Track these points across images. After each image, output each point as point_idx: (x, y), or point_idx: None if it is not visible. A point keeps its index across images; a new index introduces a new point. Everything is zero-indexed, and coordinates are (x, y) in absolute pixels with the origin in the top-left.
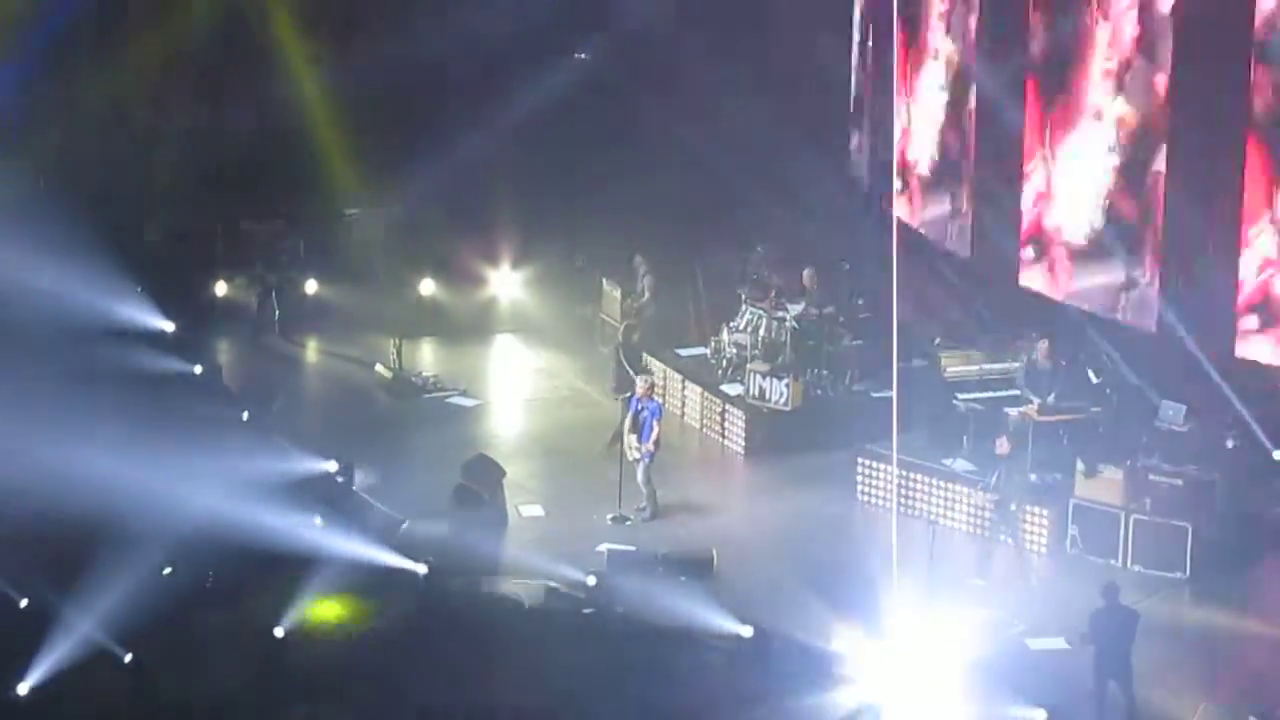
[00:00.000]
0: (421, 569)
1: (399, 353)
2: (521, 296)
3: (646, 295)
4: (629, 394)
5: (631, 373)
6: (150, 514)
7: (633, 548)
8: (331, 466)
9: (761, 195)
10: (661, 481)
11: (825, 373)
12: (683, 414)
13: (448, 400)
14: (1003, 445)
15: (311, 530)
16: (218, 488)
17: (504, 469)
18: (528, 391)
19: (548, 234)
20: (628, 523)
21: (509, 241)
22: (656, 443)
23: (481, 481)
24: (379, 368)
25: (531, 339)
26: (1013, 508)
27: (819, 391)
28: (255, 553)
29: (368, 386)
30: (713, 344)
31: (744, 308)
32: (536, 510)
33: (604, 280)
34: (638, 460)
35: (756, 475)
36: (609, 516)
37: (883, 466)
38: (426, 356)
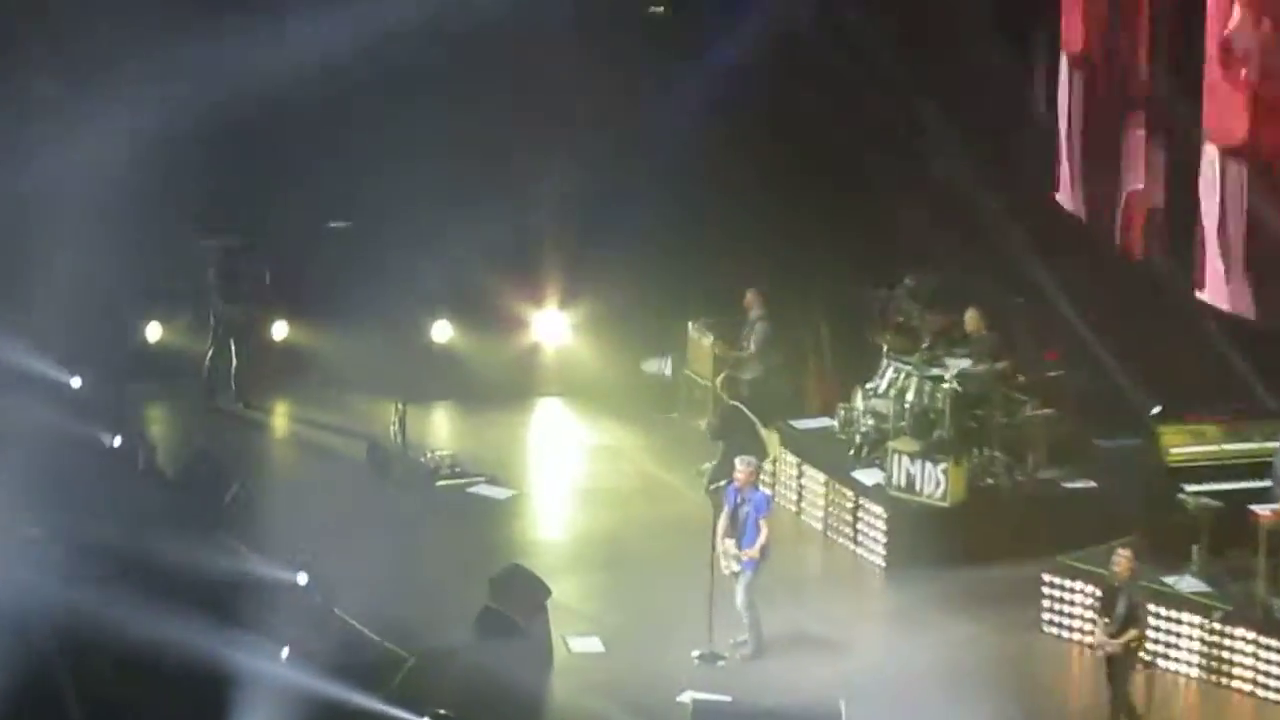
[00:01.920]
0: None
1: (402, 423)
2: (573, 346)
3: (751, 348)
4: (725, 482)
5: (758, 426)
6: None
7: (728, 698)
8: (302, 579)
9: (916, 210)
10: (768, 605)
11: (998, 454)
12: (799, 510)
13: (470, 490)
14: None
15: (273, 666)
16: (132, 600)
17: (548, 587)
18: (581, 479)
19: (609, 261)
20: (721, 663)
21: (556, 271)
22: (763, 550)
23: (516, 604)
24: (374, 444)
25: (586, 405)
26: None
27: (989, 480)
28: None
29: (357, 470)
30: (841, 413)
31: (885, 363)
32: (593, 644)
33: (690, 325)
34: (736, 574)
35: (901, 596)
36: (695, 654)
37: (1080, 586)
38: (440, 428)
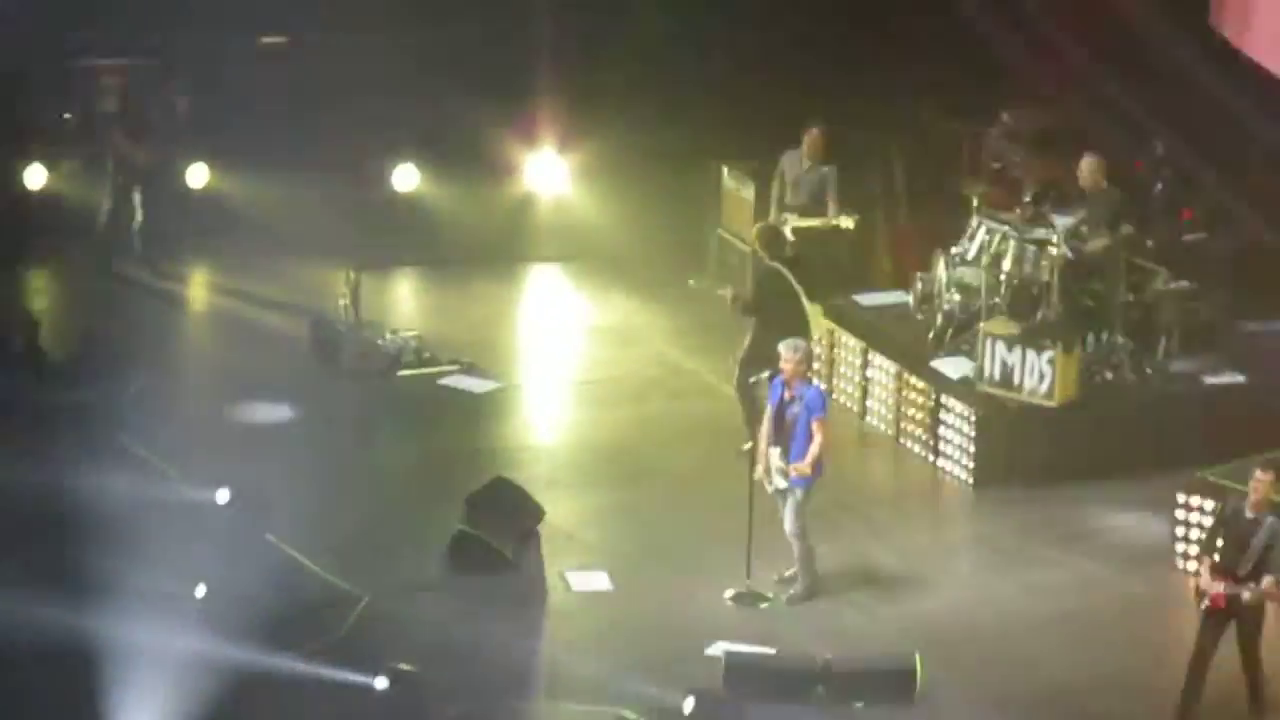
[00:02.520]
0: (381, 683)
1: (354, 295)
2: (573, 198)
3: (832, 203)
4: (766, 374)
5: (803, 304)
6: None
7: (771, 650)
8: (223, 496)
9: (1016, 29)
10: (824, 532)
11: (1120, 340)
12: (863, 410)
13: (442, 381)
14: None
15: (188, 611)
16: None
17: (540, 507)
18: (583, 368)
19: (619, 90)
20: (763, 606)
21: (553, 102)
22: (817, 463)
23: (500, 529)
24: (319, 322)
25: (589, 274)
26: None
27: (1108, 374)
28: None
29: (297, 355)
30: (919, 286)
31: (975, 222)
32: (598, 581)
33: (725, 172)
34: (782, 493)
35: (994, 522)
36: (729, 594)
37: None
38: (404, 302)
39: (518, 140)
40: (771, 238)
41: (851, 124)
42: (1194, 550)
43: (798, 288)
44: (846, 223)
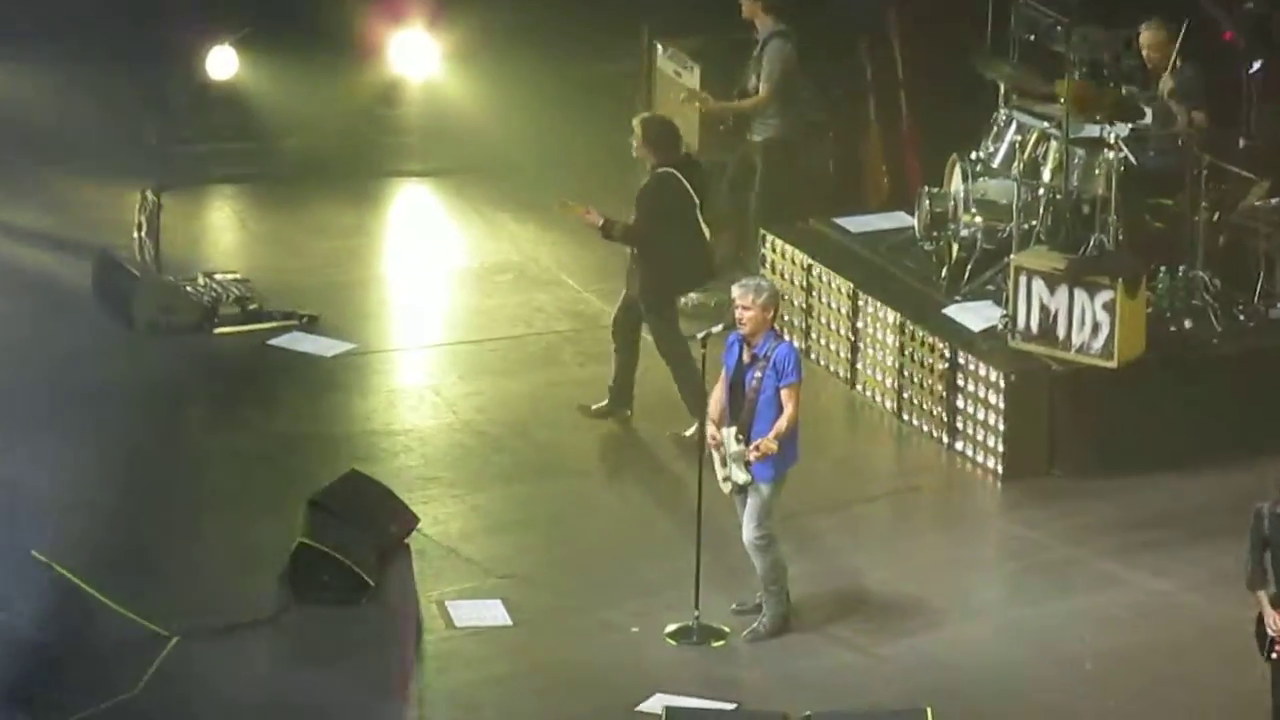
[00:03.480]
0: None
1: (153, 223)
2: (453, 92)
3: (762, 87)
4: (717, 328)
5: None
6: None
7: (727, 705)
8: None
9: None
10: (800, 543)
11: (1200, 274)
12: (852, 376)
13: (273, 340)
14: None
15: None
16: None
17: (412, 512)
18: (468, 323)
19: None
20: (718, 644)
21: None
22: (787, 444)
23: (354, 541)
24: (106, 259)
25: (478, 193)
26: None
27: (1186, 322)
28: None
29: (77, 302)
30: (926, 205)
31: (1002, 116)
32: (491, 612)
33: (659, 51)
34: (742, 488)
35: (1031, 527)
36: (669, 629)
37: None
38: (222, 233)
39: (377, 13)
40: (661, 132)
41: None
42: None
43: (696, 200)
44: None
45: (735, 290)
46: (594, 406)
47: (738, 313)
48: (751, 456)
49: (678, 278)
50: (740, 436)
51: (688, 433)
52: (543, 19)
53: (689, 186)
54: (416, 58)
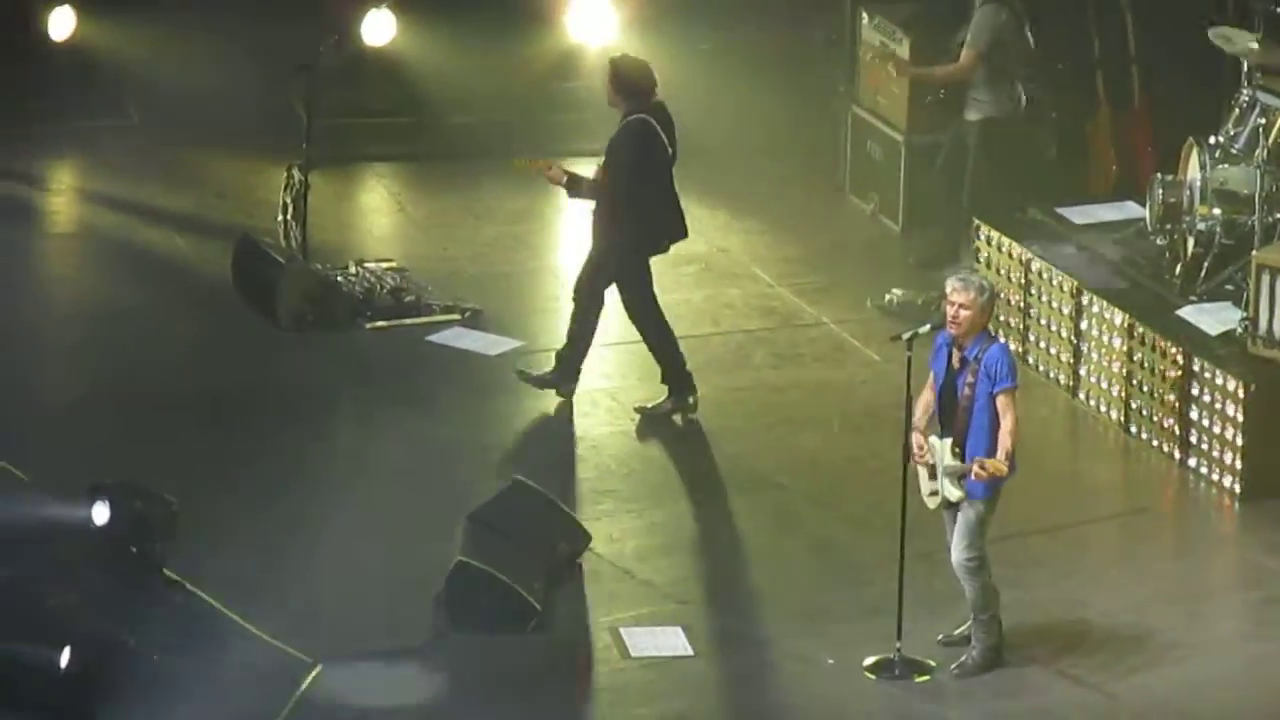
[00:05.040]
0: None
1: (301, 205)
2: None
3: (966, 49)
4: (926, 327)
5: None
6: None
7: None
8: (101, 514)
9: None
10: (1013, 568)
11: None
12: (1073, 383)
13: (432, 337)
14: None
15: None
16: None
17: (584, 529)
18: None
19: None
20: (923, 679)
21: None
22: (1009, 459)
23: (519, 560)
24: (249, 244)
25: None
26: None
27: None
28: None
29: (216, 296)
30: (1159, 194)
31: (1247, 94)
32: (671, 641)
33: (864, 17)
34: (953, 505)
35: (1272, 552)
36: (868, 661)
37: None
38: (375, 216)
39: None
40: (636, 75)
41: None
42: None
43: (671, 152)
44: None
45: (951, 284)
46: (649, 405)
47: (951, 310)
48: (976, 475)
49: (652, 235)
50: (956, 449)
51: (651, 405)
52: None
53: (665, 137)
54: (594, 25)
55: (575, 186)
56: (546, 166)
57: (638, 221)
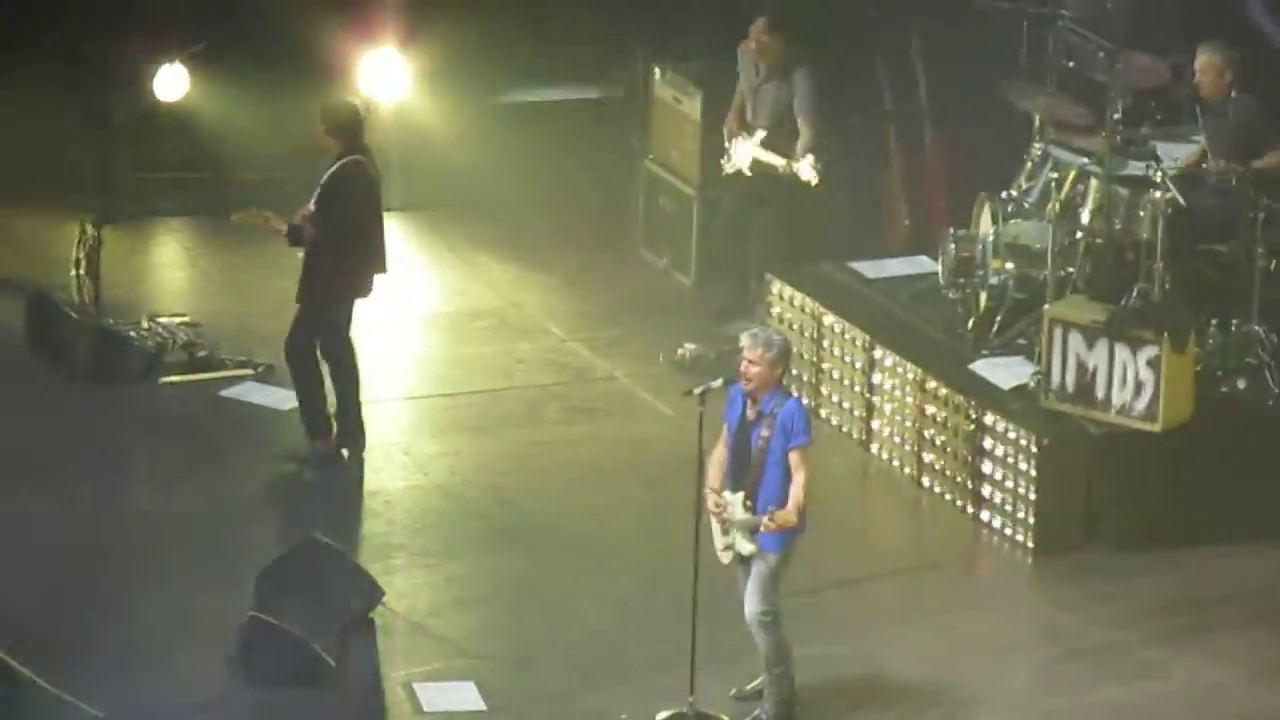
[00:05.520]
0: None
1: (93, 260)
2: (425, 118)
3: (803, 123)
4: (719, 381)
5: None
6: None
7: None
8: None
9: None
10: (806, 624)
11: (1259, 330)
12: (866, 436)
13: (224, 392)
14: None
15: None
16: None
17: (376, 584)
18: (442, 374)
19: None
20: None
21: None
22: (800, 513)
23: (311, 616)
24: (40, 299)
25: (452, 229)
26: None
27: (1240, 383)
28: None
29: (7, 351)
30: (952, 249)
31: (1037, 151)
32: (463, 697)
33: (657, 74)
34: (746, 560)
35: (1066, 609)
36: (660, 717)
37: None
38: (170, 272)
39: (344, 29)
40: (348, 117)
41: (832, 11)
42: None
43: (378, 197)
44: (808, 175)
45: (744, 340)
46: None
47: (743, 366)
48: (766, 528)
49: (361, 278)
50: (748, 503)
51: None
52: (525, 38)
53: (375, 174)
54: (387, 79)
55: (297, 235)
56: (265, 220)
57: (347, 262)
